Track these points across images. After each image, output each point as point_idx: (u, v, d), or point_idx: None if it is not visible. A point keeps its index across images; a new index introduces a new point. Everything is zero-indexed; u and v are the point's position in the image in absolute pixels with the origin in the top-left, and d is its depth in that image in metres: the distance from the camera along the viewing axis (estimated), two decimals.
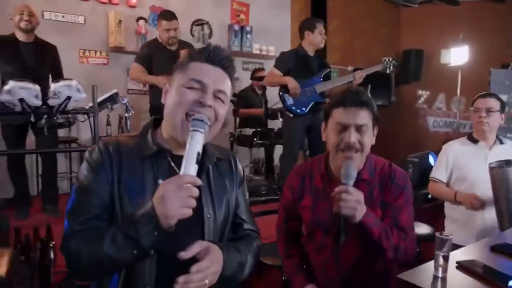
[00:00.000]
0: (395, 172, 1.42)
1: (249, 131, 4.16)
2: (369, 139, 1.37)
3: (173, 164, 1.08)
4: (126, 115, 3.25)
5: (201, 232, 1.09)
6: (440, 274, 1.07)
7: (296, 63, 3.34)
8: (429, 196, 2.67)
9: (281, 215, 1.60)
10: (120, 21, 4.06)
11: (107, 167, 1.06)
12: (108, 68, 4.15)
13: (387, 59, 3.50)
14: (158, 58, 3.38)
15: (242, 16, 5.08)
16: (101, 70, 4.08)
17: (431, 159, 3.20)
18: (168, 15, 3.42)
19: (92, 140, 2.89)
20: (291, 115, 3.37)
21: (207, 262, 0.98)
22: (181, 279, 0.93)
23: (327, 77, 3.45)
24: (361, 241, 1.33)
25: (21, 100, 2.39)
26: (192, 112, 1.04)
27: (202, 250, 0.99)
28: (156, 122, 1.17)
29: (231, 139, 4.31)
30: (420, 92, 6.69)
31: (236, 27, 4.91)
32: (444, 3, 5.21)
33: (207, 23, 4.51)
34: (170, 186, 0.91)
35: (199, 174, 1.00)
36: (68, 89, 2.55)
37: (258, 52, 5.04)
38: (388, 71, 3.57)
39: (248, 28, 4.99)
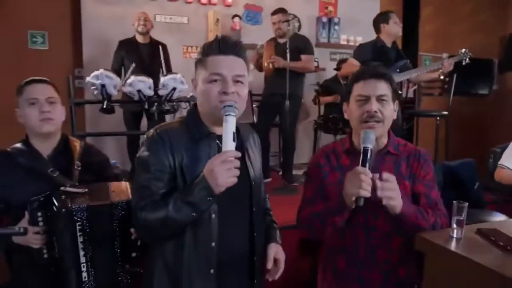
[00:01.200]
0: (419, 149, 1.52)
1: (332, 118, 4.39)
2: (390, 111, 1.43)
3: (218, 142, 1.26)
4: None
5: (249, 195, 1.34)
6: (455, 235, 1.27)
7: (374, 54, 3.45)
8: None
9: (306, 195, 1.58)
10: (217, 19, 4.56)
11: (166, 151, 1.23)
12: None
13: (464, 51, 3.45)
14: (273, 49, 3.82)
15: (331, 8, 5.26)
16: None
17: None
18: (274, 10, 3.86)
19: None
20: None
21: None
22: None
23: (404, 68, 3.49)
24: (393, 221, 1.39)
25: (139, 91, 2.97)
26: (220, 101, 1.22)
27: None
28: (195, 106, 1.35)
29: (315, 126, 4.59)
30: None
31: (324, 19, 5.13)
32: None
33: (295, 17, 4.81)
34: (217, 161, 1.13)
35: (242, 150, 1.27)
36: (174, 81, 3.08)
37: (345, 43, 5.19)
38: (464, 63, 3.49)
39: (336, 20, 5.17)
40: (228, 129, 1.16)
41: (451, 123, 4.62)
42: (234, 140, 1.15)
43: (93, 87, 2.91)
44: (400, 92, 3.60)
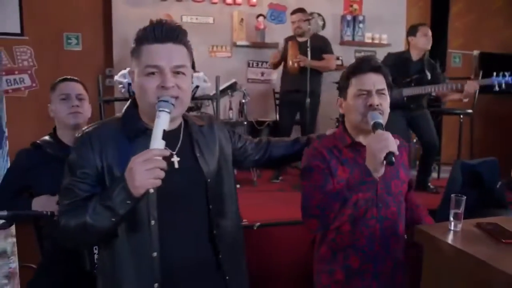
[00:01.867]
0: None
1: None
2: (388, 103, 1.45)
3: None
4: (243, 100, 3.85)
5: (205, 194, 1.21)
6: (452, 227, 1.32)
7: (395, 64, 3.34)
8: None
9: (317, 181, 1.43)
10: (242, 19, 4.67)
11: (93, 151, 1.14)
12: (231, 60, 4.80)
13: (501, 74, 2.98)
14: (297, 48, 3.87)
15: (355, 6, 5.26)
16: (225, 62, 4.74)
17: None
18: (294, 10, 3.97)
19: None
20: None
21: None
22: None
23: (420, 82, 3.37)
24: (398, 209, 1.49)
25: None
26: (158, 96, 1.10)
27: None
28: (135, 101, 1.23)
29: (337, 124, 4.63)
30: None
31: (349, 17, 5.13)
32: None
33: (318, 15, 4.85)
34: (138, 160, 1.00)
35: (190, 146, 1.20)
36: (197, 79, 3.20)
37: (370, 41, 5.18)
38: (499, 89, 2.96)
39: (360, 18, 5.16)
40: (158, 125, 1.06)
41: (476, 121, 4.54)
42: (163, 138, 1.05)
43: (120, 85, 3.08)
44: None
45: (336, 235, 1.46)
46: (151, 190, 1.06)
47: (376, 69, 1.44)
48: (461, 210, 1.31)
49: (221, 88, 3.49)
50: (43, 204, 1.58)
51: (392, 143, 1.24)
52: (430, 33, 3.40)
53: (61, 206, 1.14)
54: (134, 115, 1.21)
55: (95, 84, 3.26)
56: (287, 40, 4.01)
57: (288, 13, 4.35)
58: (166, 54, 1.12)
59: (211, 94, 3.46)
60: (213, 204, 1.22)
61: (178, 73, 1.13)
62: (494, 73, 2.99)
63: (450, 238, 1.29)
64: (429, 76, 3.39)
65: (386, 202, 1.45)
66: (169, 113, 1.08)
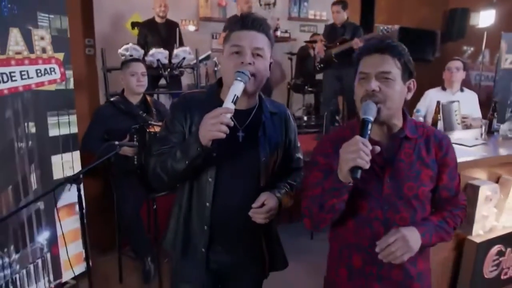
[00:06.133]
0: (438, 132, 1.35)
1: (302, 80, 5.43)
2: (395, 90, 1.19)
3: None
4: (215, 68, 4.71)
5: (257, 171, 1.37)
6: None
7: (328, 32, 4.73)
8: None
9: (310, 180, 1.31)
10: None
11: (185, 115, 1.34)
12: (198, 33, 5.55)
13: (382, 28, 4.45)
14: None
15: None
16: (193, 34, 5.48)
17: None
18: None
19: (195, 86, 4.41)
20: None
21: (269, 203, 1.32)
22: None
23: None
24: (411, 217, 1.26)
25: (158, 60, 3.92)
26: (236, 71, 1.24)
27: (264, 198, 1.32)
28: (220, 81, 1.39)
29: (288, 87, 5.65)
30: (465, 47, 7.13)
31: None
32: None
33: None
34: (207, 116, 1.17)
35: (257, 126, 1.35)
36: (184, 52, 4.03)
37: (312, 17, 6.18)
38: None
39: None
40: (231, 91, 1.20)
41: None
42: (233, 102, 1.19)
43: (123, 57, 3.82)
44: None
45: (343, 231, 1.33)
46: (213, 153, 1.27)
47: (382, 49, 1.20)
48: None
49: (200, 58, 4.36)
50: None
51: (362, 157, 1.05)
52: (337, 9, 4.58)
53: (153, 150, 1.36)
54: (214, 93, 1.39)
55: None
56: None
57: None
58: (249, 38, 1.28)
59: (192, 63, 4.30)
60: (263, 180, 1.39)
61: (257, 55, 1.28)
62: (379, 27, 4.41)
63: None
64: (349, 37, 4.50)
65: (396, 205, 1.25)
66: (243, 82, 1.22)
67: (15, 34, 2.25)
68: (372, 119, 1.15)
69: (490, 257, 2.18)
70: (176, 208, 1.45)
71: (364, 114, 1.16)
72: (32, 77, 2.35)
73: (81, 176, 1.88)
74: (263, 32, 1.31)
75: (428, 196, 1.29)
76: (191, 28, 5.50)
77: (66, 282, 2.68)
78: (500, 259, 2.23)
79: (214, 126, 1.15)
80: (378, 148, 1.12)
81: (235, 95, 1.20)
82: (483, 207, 2.10)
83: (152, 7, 4.48)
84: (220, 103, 1.22)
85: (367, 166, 1.07)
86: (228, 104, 1.18)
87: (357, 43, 4.27)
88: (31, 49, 2.34)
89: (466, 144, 2.29)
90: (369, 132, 1.13)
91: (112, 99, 2.69)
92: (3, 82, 2.21)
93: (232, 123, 1.18)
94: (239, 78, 1.22)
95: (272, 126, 1.41)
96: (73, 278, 2.65)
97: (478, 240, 2.11)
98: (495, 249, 2.18)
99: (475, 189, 2.07)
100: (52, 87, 2.46)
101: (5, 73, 2.21)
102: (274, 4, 5.89)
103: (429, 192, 1.29)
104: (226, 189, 1.35)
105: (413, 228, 1.22)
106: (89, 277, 2.05)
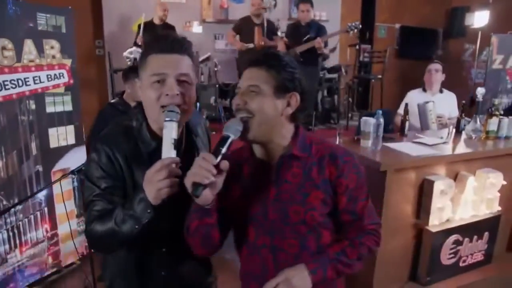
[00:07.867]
0: (336, 149, 1.19)
1: None
2: (260, 104, 1.09)
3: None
4: (215, 69, 5.00)
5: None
6: None
7: (292, 30, 4.77)
8: None
9: None
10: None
11: (116, 170, 1.16)
12: (201, 34, 5.83)
13: (350, 24, 4.44)
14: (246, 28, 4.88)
15: None
16: (197, 35, 5.73)
17: None
18: None
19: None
20: None
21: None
22: None
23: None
24: (301, 239, 1.16)
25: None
26: (164, 104, 1.11)
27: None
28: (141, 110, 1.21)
29: None
30: (467, 45, 7.14)
31: None
32: None
33: None
34: (152, 170, 1.03)
35: (192, 149, 1.25)
36: None
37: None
38: (351, 35, 4.55)
39: None
40: (166, 136, 1.08)
41: (389, 85, 5.87)
42: (174, 148, 1.07)
43: (127, 60, 4.15)
44: None
45: (241, 258, 1.28)
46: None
47: (254, 62, 1.15)
48: None
49: (200, 59, 4.67)
50: None
51: (201, 172, 0.98)
52: (307, 8, 4.58)
53: (92, 211, 1.16)
54: (145, 127, 1.21)
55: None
56: (244, 20, 4.97)
57: None
58: (171, 63, 1.13)
59: None
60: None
61: (182, 81, 1.14)
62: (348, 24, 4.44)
63: None
64: (313, 36, 4.52)
65: (282, 231, 1.16)
66: (175, 121, 1.09)
67: (28, 45, 2.61)
68: (233, 136, 1.07)
69: (447, 246, 2.42)
70: None
71: (225, 131, 1.08)
72: (43, 82, 2.74)
73: (83, 168, 2.18)
74: (186, 54, 1.17)
75: (322, 221, 1.16)
76: (196, 30, 5.79)
77: (73, 263, 3.03)
78: (458, 247, 2.47)
79: (164, 182, 1.02)
80: (226, 163, 1.03)
81: (172, 138, 1.08)
82: (438, 200, 2.34)
83: (155, 10, 4.79)
84: (152, 134, 1.19)
85: (206, 181, 0.99)
86: (170, 152, 1.07)
87: (319, 42, 4.36)
88: (42, 57, 2.70)
89: (427, 143, 2.52)
90: (224, 149, 1.04)
91: (112, 101, 3.02)
92: (19, 86, 2.59)
93: (180, 172, 1.04)
94: (168, 119, 1.09)
95: (202, 142, 1.36)
96: (78, 260, 3.02)
97: (434, 229, 2.36)
98: (452, 238, 2.43)
99: (430, 184, 2.31)
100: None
101: (20, 79, 2.59)
102: (275, 5, 6.13)
103: (322, 216, 1.16)
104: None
105: (301, 267, 1.11)
106: (91, 256, 2.40)
